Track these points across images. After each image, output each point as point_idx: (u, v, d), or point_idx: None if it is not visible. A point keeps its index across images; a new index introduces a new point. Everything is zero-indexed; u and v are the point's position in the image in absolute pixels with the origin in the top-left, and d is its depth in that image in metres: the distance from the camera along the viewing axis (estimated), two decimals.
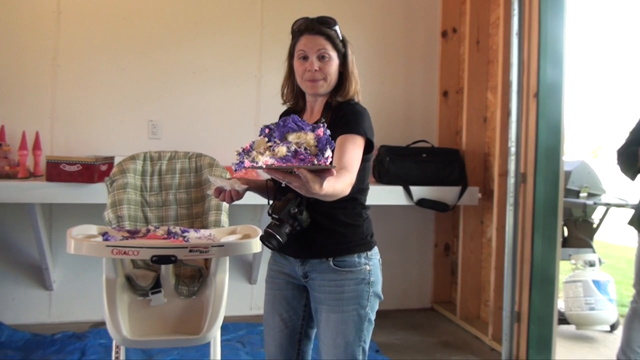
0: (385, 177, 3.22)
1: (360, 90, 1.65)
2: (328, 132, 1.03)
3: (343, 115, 1.53)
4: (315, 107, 1.65)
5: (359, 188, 1.57)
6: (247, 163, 1.03)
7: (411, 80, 3.63)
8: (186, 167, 2.50)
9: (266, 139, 1.06)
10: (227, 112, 3.34)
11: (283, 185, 1.09)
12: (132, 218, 2.30)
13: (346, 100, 1.60)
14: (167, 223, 2.38)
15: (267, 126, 1.08)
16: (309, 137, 1.03)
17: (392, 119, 3.57)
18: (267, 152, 1.03)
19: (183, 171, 2.50)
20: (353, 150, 1.42)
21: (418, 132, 3.61)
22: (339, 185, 1.23)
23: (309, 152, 1.01)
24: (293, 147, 1.01)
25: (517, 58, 2.73)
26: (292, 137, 1.04)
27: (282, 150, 1.01)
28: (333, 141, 1.02)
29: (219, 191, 1.54)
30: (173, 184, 2.46)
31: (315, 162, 1.00)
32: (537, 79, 2.68)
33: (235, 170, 1.05)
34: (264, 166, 1.01)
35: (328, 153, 1.00)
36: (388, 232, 3.56)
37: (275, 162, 1.01)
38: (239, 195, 1.53)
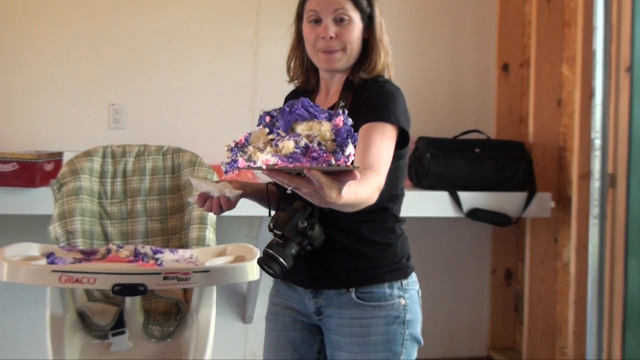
0: (425, 180, 3.22)
1: (391, 63, 1.65)
2: (350, 120, 1.03)
3: (368, 97, 1.54)
4: (331, 86, 1.66)
5: (391, 194, 1.57)
6: (241, 162, 1.04)
7: (459, 50, 3.62)
8: (159, 166, 2.52)
9: (267, 130, 1.07)
10: (215, 93, 3.35)
11: (289, 191, 1.09)
12: (87, 234, 2.32)
13: (373, 77, 1.61)
14: (134, 241, 2.40)
15: (267, 113, 1.08)
16: (324, 128, 1.03)
17: (434, 101, 3.57)
18: (268, 148, 1.03)
19: (155, 171, 2.52)
20: (382, 143, 1.43)
21: (469, 119, 3.59)
22: (363, 191, 1.23)
23: (324, 148, 1.01)
24: (303, 142, 1.01)
25: (603, 20, 2.71)
26: (301, 128, 1.05)
27: (288, 145, 1.01)
28: (356, 133, 1.02)
29: (204, 198, 1.55)
30: (142, 189, 2.48)
31: (333, 161, 1.01)
32: (631, 48, 2.66)
33: (226, 172, 1.06)
34: (264, 167, 1.02)
35: (350, 150, 1.00)
36: (429, 253, 3.55)
37: (279, 162, 1.01)
38: (230, 204, 1.54)
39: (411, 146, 3.18)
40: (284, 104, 1.08)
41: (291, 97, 1.77)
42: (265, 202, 1.63)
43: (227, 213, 1.57)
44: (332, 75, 1.64)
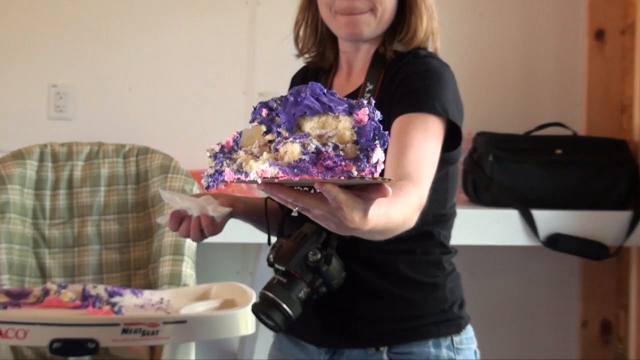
0: (486, 193, 3.20)
1: (437, 30, 1.66)
2: (378, 114, 1.03)
3: (406, 78, 1.55)
4: (355, 62, 1.67)
5: (437, 215, 1.58)
6: (228, 173, 1.04)
7: (535, 10, 3.61)
8: (119, 172, 2.53)
9: (263, 129, 1.06)
10: (195, 71, 3.36)
11: (294, 213, 1.09)
12: (15, 268, 2.33)
13: (412, 50, 1.62)
14: (82, 278, 2.40)
15: (264, 104, 1.08)
16: (343, 125, 1.02)
17: (498, 83, 3.56)
18: (266, 154, 1.02)
19: (113, 180, 2.53)
20: (423, 143, 1.43)
21: (547, 107, 3.58)
22: (397, 211, 1.23)
23: (342, 153, 1.01)
24: (313, 145, 1.01)
25: None
26: (311, 126, 1.04)
27: (292, 150, 1.01)
28: (388, 131, 1.02)
29: (179, 218, 1.56)
30: (94, 205, 2.49)
31: (354, 172, 1.00)
32: None
33: (208, 187, 1.06)
34: (259, 180, 1.02)
35: (378, 155, 1.00)
36: (492, 297, 3.54)
37: (280, 173, 1.01)
38: (215, 227, 1.55)
39: (465, 146, 3.17)
40: (289, 91, 1.08)
41: (300, 78, 1.79)
42: (264, 224, 1.64)
43: (210, 239, 1.58)
44: (356, 46, 1.65)
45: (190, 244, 2.38)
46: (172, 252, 2.35)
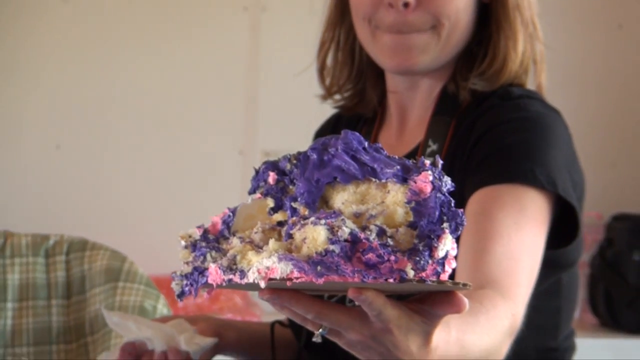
0: (629, 313, 3.19)
1: (542, 56, 1.69)
2: (448, 182, 1.04)
3: (489, 131, 1.58)
4: (411, 108, 1.72)
5: (543, 349, 1.59)
6: (214, 273, 1.04)
7: None
8: (38, 280, 2.56)
9: (270, 204, 1.09)
10: (165, 122, 3.40)
11: (316, 338, 1.10)
12: None
13: (500, 89, 1.65)
14: None
15: (272, 164, 1.09)
16: (393, 199, 1.03)
17: None
18: (273, 242, 1.04)
19: (28, 293, 2.55)
20: (517, 233, 1.44)
21: None
22: (477, 338, 1.24)
23: (391, 242, 1.02)
24: (347, 229, 1.01)
25: None
26: (344, 198, 1.06)
27: (315, 236, 1.01)
28: (462, 209, 1.02)
29: (134, 355, 1.57)
30: None
31: (410, 271, 1.00)
32: None
33: (182, 295, 1.06)
34: (262, 283, 1.02)
35: (447, 245, 1.00)
36: None
37: (296, 272, 1.01)
38: None
39: (592, 238, 3.18)
40: (313, 144, 1.09)
41: (329, 132, 1.80)
42: None
43: None
44: (412, 83, 1.68)
45: None
46: None
